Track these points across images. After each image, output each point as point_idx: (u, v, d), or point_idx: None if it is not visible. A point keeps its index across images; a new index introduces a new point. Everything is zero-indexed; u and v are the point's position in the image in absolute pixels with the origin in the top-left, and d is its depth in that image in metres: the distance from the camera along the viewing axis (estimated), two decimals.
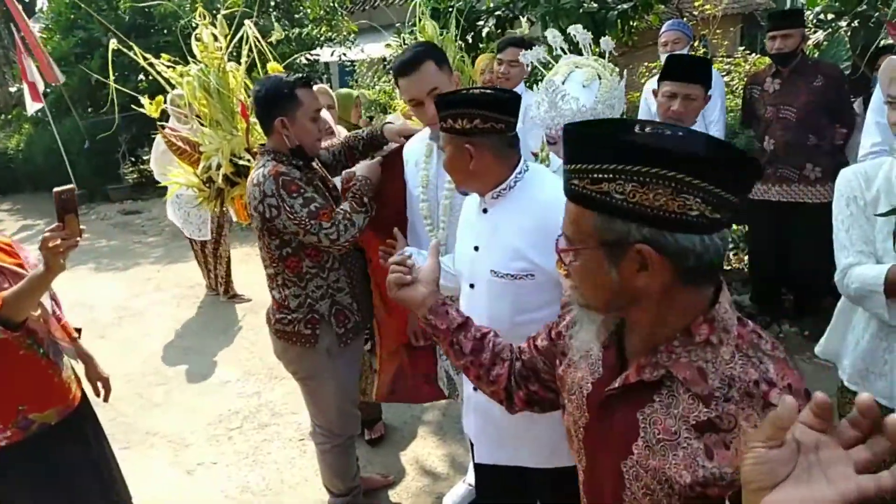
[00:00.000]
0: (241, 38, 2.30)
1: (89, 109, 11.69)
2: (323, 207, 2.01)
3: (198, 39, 2.23)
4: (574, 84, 1.83)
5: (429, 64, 1.94)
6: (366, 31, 10.20)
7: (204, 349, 4.52)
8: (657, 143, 0.83)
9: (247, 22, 2.20)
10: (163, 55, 2.27)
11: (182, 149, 2.39)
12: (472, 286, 1.68)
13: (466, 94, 1.51)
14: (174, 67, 2.23)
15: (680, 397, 0.90)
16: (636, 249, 0.84)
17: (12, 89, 13.39)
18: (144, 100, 2.34)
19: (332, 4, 9.08)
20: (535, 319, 1.54)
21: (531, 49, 2.00)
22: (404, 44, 2.94)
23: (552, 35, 2.07)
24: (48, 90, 8.93)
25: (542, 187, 1.61)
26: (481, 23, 5.57)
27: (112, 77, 2.57)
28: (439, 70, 1.96)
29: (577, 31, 1.98)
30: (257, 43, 2.26)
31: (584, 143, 0.88)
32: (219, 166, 2.31)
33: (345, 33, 9.38)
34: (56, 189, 1.79)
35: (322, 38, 9.28)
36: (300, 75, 2.06)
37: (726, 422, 0.85)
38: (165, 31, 9.97)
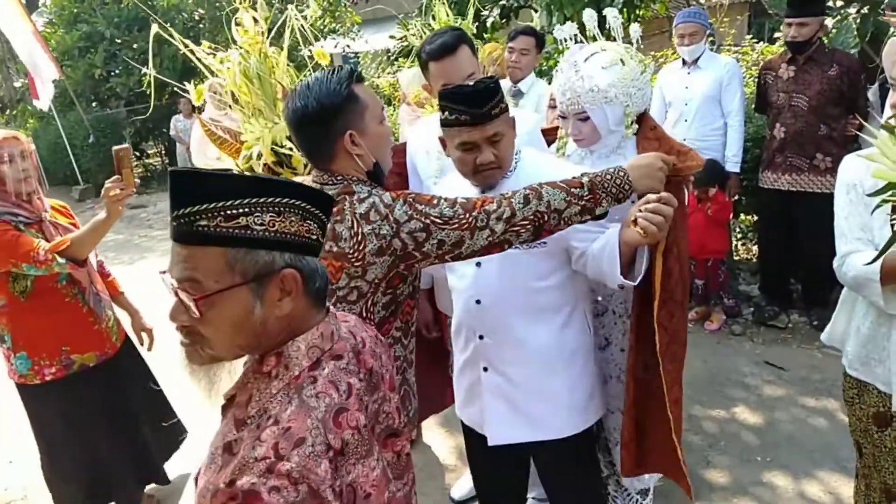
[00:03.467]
0: (282, 22, 2.22)
1: (93, 104, 11.71)
2: (473, 199, 1.47)
3: (238, 24, 2.19)
4: (594, 65, 1.81)
5: (465, 48, 1.94)
6: (369, 21, 10.15)
7: None
8: (276, 178, 0.92)
9: (290, 7, 2.15)
10: (203, 42, 2.22)
11: (221, 138, 2.35)
12: (478, 264, 1.71)
13: (494, 83, 1.58)
14: (214, 54, 2.18)
15: (229, 418, 0.93)
16: (281, 276, 0.89)
17: (17, 84, 13.41)
18: (190, 86, 2.30)
19: None
20: (550, 285, 1.69)
21: (542, 39, 1.99)
22: (423, 32, 2.91)
23: (561, 30, 2.04)
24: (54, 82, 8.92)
25: (541, 163, 1.72)
26: (486, 12, 5.53)
27: (116, 71, 2.54)
28: (472, 57, 1.98)
29: (611, 14, 1.95)
30: (299, 27, 2.16)
31: (209, 183, 0.86)
32: (259, 156, 2.26)
33: (348, 24, 9.35)
34: (115, 147, 2.18)
35: (326, 30, 9.24)
36: (350, 67, 1.57)
37: (236, 447, 0.87)
38: (169, 24, 9.95)
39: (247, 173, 0.93)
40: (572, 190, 1.41)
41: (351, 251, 1.39)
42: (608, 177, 1.43)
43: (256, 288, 0.88)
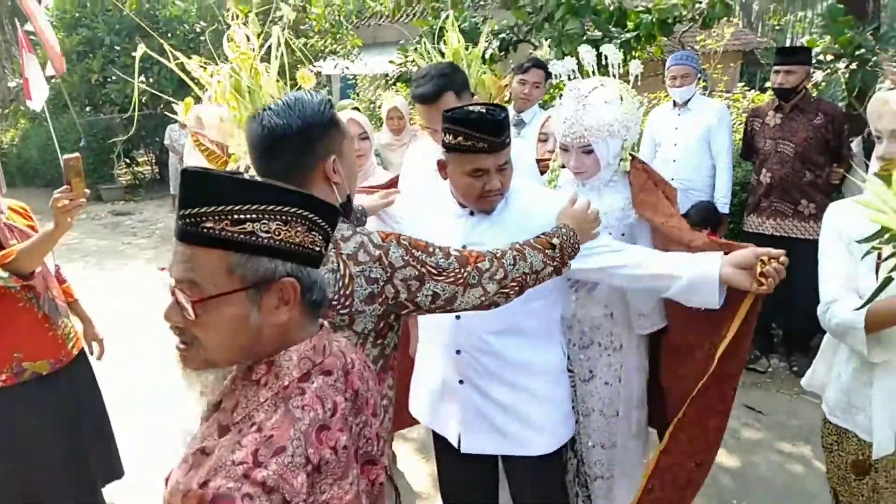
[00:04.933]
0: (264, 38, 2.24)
1: (87, 108, 11.67)
2: (464, 252, 1.42)
3: (230, 39, 2.20)
4: (597, 100, 1.84)
5: (448, 95, 1.99)
6: (369, 45, 10.28)
7: None
8: (287, 186, 0.90)
9: (275, 28, 2.17)
10: (193, 56, 2.23)
11: (210, 150, 2.35)
12: None
13: (506, 113, 1.61)
14: (205, 67, 2.18)
15: (211, 423, 0.92)
16: (280, 285, 0.88)
17: (12, 84, 13.35)
18: (179, 106, 2.30)
19: (337, 17, 9.15)
20: (530, 308, 1.70)
21: (549, 72, 2.03)
22: (433, 57, 2.96)
23: (561, 64, 2.07)
24: (51, 81, 8.89)
25: (526, 186, 1.77)
26: (485, 44, 5.62)
27: (113, 78, 2.54)
28: (459, 99, 2.01)
29: (609, 51, 1.99)
30: (288, 45, 2.18)
31: (222, 184, 0.86)
32: (247, 169, 2.26)
33: (349, 47, 9.45)
34: (65, 156, 2.08)
35: (326, 51, 9.34)
36: (318, 88, 1.54)
37: (213, 450, 0.85)
38: (170, 35, 9.99)
39: (259, 179, 0.91)
40: (546, 251, 1.48)
41: (336, 297, 1.26)
42: (566, 238, 1.51)
43: (254, 295, 0.87)
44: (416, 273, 1.32)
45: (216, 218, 0.84)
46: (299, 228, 0.89)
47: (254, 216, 0.85)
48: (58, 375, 2.27)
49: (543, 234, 1.52)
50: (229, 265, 0.86)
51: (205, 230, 0.85)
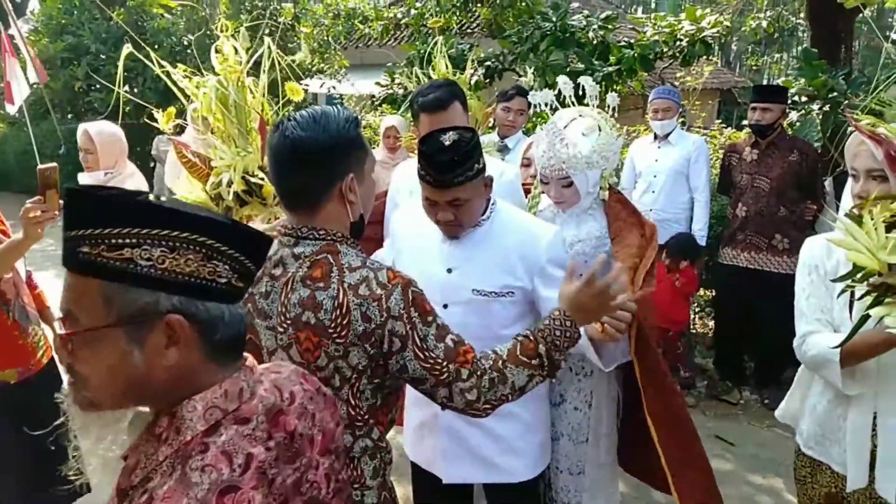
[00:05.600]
0: (253, 52, 2.24)
1: (69, 115, 11.54)
2: (460, 342, 1.31)
3: (218, 51, 2.19)
4: (574, 131, 1.87)
5: (456, 105, 2.00)
6: (357, 66, 10.36)
7: None
8: (183, 208, 0.80)
9: (266, 39, 2.16)
10: (179, 66, 2.22)
11: (192, 162, 2.32)
12: (445, 306, 1.71)
13: (462, 155, 1.56)
14: (191, 77, 2.16)
15: (115, 485, 0.84)
16: (166, 321, 0.78)
17: None
18: (159, 114, 2.27)
19: (326, 38, 9.22)
20: (515, 332, 1.53)
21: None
22: (420, 80, 2.99)
23: (541, 95, 2.11)
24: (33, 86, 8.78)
25: (513, 216, 1.76)
26: (470, 71, 5.70)
27: (97, 86, 2.51)
28: (464, 113, 2.02)
29: (587, 82, 2.03)
30: (278, 61, 2.17)
31: (100, 205, 0.77)
32: (230, 183, 2.23)
33: (336, 66, 9.51)
34: (40, 167, 1.99)
35: (314, 69, 9.38)
36: (335, 98, 1.45)
37: None
38: (157, 47, 9.96)
39: (150, 200, 0.80)
40: (532, 362, 1.31)
41: (332, 325, 1.19)
42: (557, 332, 1.32)
43: (133, 331, 0.77)
44: (403, 333, 1.22)
45: (92, 242, 0.75)
46: (191, 256, 0.78)
47: (134, 241, 0.75)
48: (25, 385, 2.19)
49: (529, 335, 1.33)
50: (105, 295, 0.76)
51: (81, 255, 0.76)
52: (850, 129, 1.56)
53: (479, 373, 1.27)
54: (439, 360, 1.25)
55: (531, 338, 1.32)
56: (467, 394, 1.27)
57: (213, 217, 0.81)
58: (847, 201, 1.68)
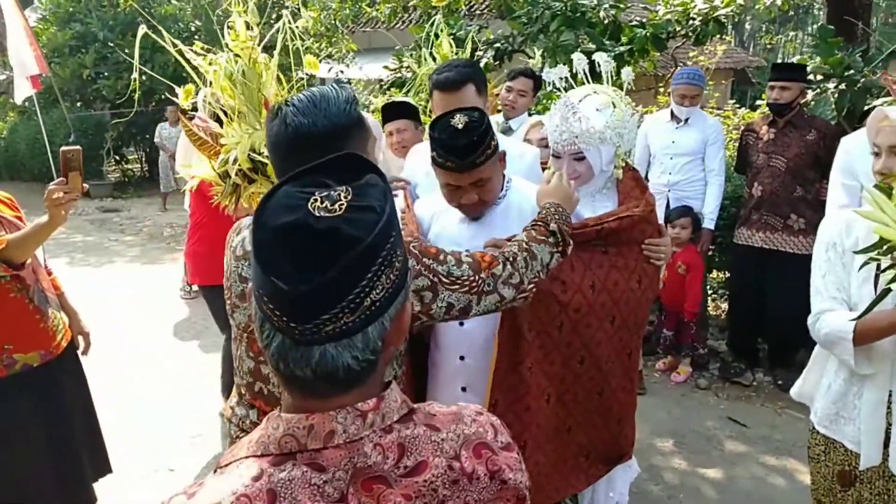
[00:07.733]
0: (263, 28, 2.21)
1: (78, 104, 11.59)
2: (474, 256, 1.41)
3: (230, 28, 2.18)
4: (588, 107, 1.85)
5: (470, 87, 1.99)
6: (365, 50, 10.30)
7: (177, 353, 4.41)
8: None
9: (284, 12, 2.15)
10: (196, 43, 2.20)
11: (202, 139, 2.31)
12: None
13: (479, 134, 1.57)
14: (205, 55, 2.15)
15: None
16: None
17: (1, 77, 13.22)
18: (179, 90, 2.27)
19: (333, 21, 9.16)
20: None
21: (540, 82, 2.03)
22: (425, 61, 2.96)
23: (554, 71, 2.08)
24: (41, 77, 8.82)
25: (528, 194, 1.76)
26: (480, 53, 5.65)
27: (105, 73, 2.51)
28: (478, 95, 2.00)
29: (601, 58, 2.00)
30: (292, 36, 2.14)
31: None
32: (235, 160, 2.22)
33: (344, 51, 9.46)
34: (63, 148, 2.00)
35: (322, 54, 9.34)
36: (343, 83, 1.47)
37: None
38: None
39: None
40: (549, 240, 1.47)
41: None
42: (558, 216, 1.51)
43: None
44: (429, 283, 1.29)
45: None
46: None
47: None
48: (48, 368, 2.23)
49: (536, 221, 1.51)
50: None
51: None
52: (867, 105, 1.54)
53: (510, 259, 1.40)
54: (471, 278, 1.35)
55: (539, 222, 1.50)
56: (511, 280, 1.38)
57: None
58: (874, 178, 1.64)
